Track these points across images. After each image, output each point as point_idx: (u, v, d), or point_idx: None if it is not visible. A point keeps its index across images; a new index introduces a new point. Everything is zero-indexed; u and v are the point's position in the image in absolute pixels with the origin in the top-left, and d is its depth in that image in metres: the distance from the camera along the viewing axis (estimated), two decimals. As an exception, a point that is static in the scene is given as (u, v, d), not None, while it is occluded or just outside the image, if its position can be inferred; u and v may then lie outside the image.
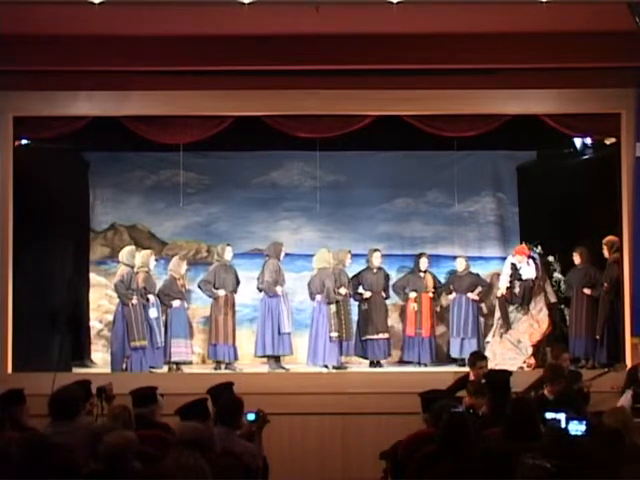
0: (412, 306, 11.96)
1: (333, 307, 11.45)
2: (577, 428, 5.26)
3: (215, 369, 11.44)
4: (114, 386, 7.78)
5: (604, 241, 11.10)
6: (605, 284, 11.03)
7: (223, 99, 10.57)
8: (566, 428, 5.37)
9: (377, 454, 6.93)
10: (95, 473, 5.06)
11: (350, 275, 11.93)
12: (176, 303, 11.56)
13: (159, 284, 11.73)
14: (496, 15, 9.30)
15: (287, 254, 11.89)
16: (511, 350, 11.44)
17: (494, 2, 9.06)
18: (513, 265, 11.64)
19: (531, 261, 11.60)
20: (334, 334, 11.38)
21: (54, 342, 11.50)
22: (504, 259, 12.07)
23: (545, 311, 11.52)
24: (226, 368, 11.40)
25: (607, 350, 10.91)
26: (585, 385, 8.73)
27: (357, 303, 11.98)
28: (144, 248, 12.00)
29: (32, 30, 9.61)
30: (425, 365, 11.76)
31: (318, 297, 11.54)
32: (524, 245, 11.76)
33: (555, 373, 8.31)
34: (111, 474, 4.99)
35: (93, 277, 12.39)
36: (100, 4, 8.21)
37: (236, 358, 11.51)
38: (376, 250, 12.06)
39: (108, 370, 11.16)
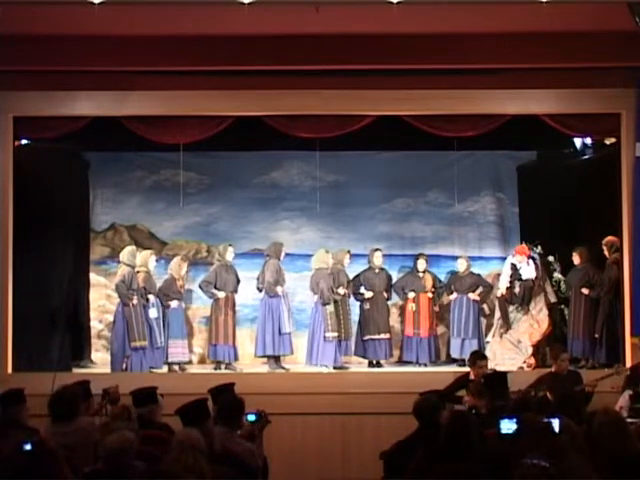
0: (410, 306, 11.96)
1: (331, 307, 11.44)
2: (508, 427, 5.28)
3: (215, 369, 11.44)
4: (114, 386, 7.80)
5: (604, 241, 11.10)
6: (605, 284, 11.03)
7: (223, 99, 10.57)
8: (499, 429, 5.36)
9: (377, 454, 6.92)
10: (95, 473, 5.06)
11: (351, 275, 11.94)
12: (174, 304, 11.55)
13: (159, 284, 11.73)
14: (496, 15, 9.31)
15: (287, 254, 11.89)
16: (511, 350, 11.44)
17: (494, 2, 9.07)
18: (513, 265, 11.64)
19: (531, 261, 11.59)
20: (331, 334, 11.37)
21: (54, 342, 11.49)
22: (504, 259, 12.07)
23: (545, 311, 11.52)
24: (226, 368, 11.40)
25: (606, 350, 10.91)
26: (590, 385, 8.75)
27: (358, 303, 11.99)
28: (144, 248, 12.00)
29: (32, 30, 9.62)
30: (425, 365, 11.76)
31: (315, 297, 11.55)
32: (524, 245, 11.76)
33: (554, 382, 8.39)
34: (111, 474, 4.99)
35: (93, 277, 12.38)
36: (100, 4, 8.22)
37: (236, 358, 11.51)
38: (377, 250, 12.06)
39: (108, 370, 11.16)
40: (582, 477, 4.64)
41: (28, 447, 4.51)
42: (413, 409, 6.32)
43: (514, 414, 5.63)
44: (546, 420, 5.23)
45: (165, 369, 11.38)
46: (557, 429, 5.19)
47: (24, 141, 11.09)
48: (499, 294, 11.74)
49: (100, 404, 7.61)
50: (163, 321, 11.50)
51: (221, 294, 11.52)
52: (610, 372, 9.58)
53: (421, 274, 12.07)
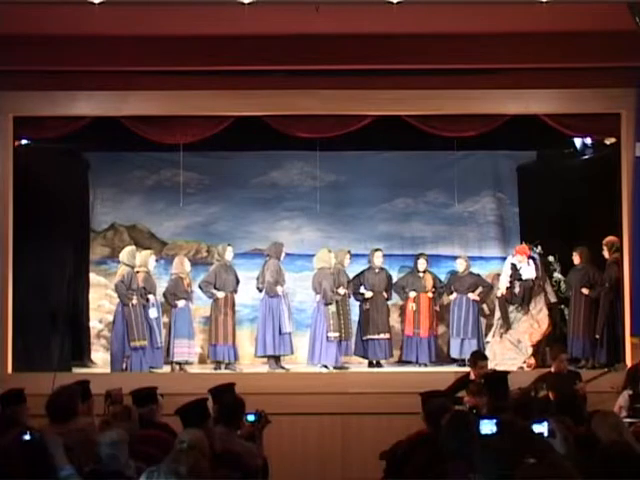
0: (411, 306, 11.96)
1: (332, 307, 11.45)
2: (489, 428, 5.29)
3: (215, 369, 11.44)
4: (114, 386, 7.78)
5: (604, 242, 11.09)
6: (605, 284, 11.03)
7: (223, 99, 10.58)
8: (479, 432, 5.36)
9: (377, 454, 6.93)
10: (95, 472, 5.06)
11: (351, 275, 11.94)
12: (181, 303, 11.55)
13: (159, 284, 11.74)
14: (496, 15, 9.31)
15: (287, 254, 11.89)
16: (511, 350, 11.44)
17: (494, 2, 9.07)
18: (513, 265, 11.64)
19: (531, 261, 11.59)
20: (333, 334, 11.38)
21: (54, 342, 11.48)
22: (504, 259, 12.08)
23: (545, 311, 11.52)
24: (226, 368, 11.40)
25: (606, 350, 10.91)
26: (579, 388, 8.70)
27: (358, 303, 11.99)
28: (144, 248, 12.01)
29: (32, 30, 9.62)
30: (425, 365, 11.76)
31: (317, 297, 11.55)
32: (524, 245, 11.76)
33: (555, 381, 8.38)
34: (107, 474, 4.99)
35: (93, 277, 12.38)
36: (100, 4, 8.22)
37: (236, 358, 11.50)
38: (377, 250, 12.07)
39: (108, 370, 11.17)
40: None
41: (27, 437, 4.56)
42: (425, 412, 6.31)
43: (513, 414, 5.64)
44: (533, 423, 5.24)
45: (165, 369, 11.37)
46: (546, 432, 5.19)
47: (24, 141, 11.09)
48: (499, 294, 11.74)
49: (92, 405, 7.57)
50: (169, 321, 11.51)
51: (220, 294, 11.52)
52: (603, 371, 9.59)
53: (421, 274, 12.06)
